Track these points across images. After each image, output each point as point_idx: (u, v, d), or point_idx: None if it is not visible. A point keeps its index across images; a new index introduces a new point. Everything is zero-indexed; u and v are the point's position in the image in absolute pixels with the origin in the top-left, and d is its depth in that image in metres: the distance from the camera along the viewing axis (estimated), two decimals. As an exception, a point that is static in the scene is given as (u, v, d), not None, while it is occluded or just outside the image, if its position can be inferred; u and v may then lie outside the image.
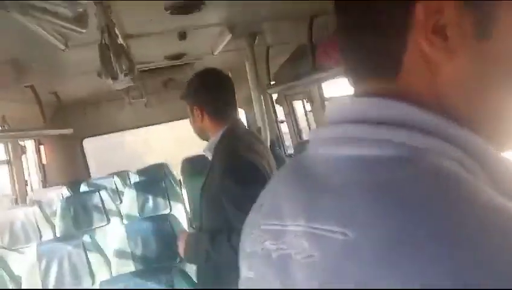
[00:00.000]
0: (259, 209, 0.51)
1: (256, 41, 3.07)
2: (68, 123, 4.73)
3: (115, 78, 1.43)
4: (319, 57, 2.60)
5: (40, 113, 3.73)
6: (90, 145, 6.39)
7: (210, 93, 1.72)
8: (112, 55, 1.39)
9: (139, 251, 2.69)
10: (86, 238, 2.65)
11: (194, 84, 1.77)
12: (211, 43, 3.24)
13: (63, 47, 2.19)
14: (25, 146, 4.62)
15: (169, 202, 3.77)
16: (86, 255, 2.61)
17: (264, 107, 3.29)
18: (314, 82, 2.98)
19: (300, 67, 3.31)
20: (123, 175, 5.43)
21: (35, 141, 5.31)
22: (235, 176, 1.52)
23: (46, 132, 3.71)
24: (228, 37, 2.74)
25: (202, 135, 1.79)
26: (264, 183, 1.47)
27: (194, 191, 5.16)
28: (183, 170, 5.77)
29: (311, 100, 4.71)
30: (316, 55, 2.63)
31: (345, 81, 0.54)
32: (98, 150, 7.37)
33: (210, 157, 1.73)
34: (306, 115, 5.21)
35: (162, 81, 5.37)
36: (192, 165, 5.81)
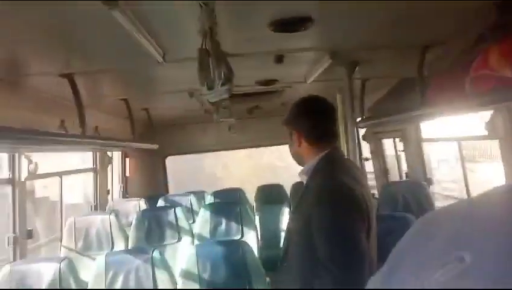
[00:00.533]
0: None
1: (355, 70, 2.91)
2: (154, 140, 4.87)
3: (211, 87, 1.32)
4: (431, 93, 2.35)
5: (131, 126, 3.85)
6: (172, 164, 6.56)
7: (310, 120, 1.72)
8: (211, 61, 1.29)
9: (206, 275, 2.55)
10: (156, 254, 2.57)
11: (296, 109, 1.79)
12: (305, 70, 3.13)
13: (160, 59, 2.18)
14: (111, 157, 4.81)
15: (242, 228, 3.63)
16: (153, 272, 2.53)
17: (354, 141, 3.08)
18: (418, 119, 2.69)
19: (401, 102, 3.06)
20: (199, 195, 5.44)
21: (121, 154, 5.54)
22: (328, 196, 1.47)
23: (133, 145, 3.79)
24: (327, 63, 2.60)
25: (298, 159, 1.76)
26: (358, 209, 1.45)
27: (267, 219, 5.05)
28: (258, 197, 5.66)
29: (405, 139, 4.38)
30: (427, 90, 2.38)
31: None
32: (179, 170, 7.52)
33: (305, 181, 1.67)
34: (396, 154, 4.88)
35: (248, 108, 5.42)
36: (267, 193, 5.70)
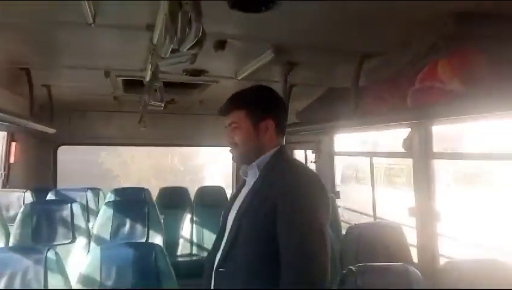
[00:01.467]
0: None
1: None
2: (50, 124, 4.27)
3: (180, 43, 1.05)
4: (367, 103, 2.33)
5: (30, 103, 3.30)
6: (62, 154, 5.88)
7: (281, 109, 1.62)
8: (190, 14, 1.02)
9: (110, 282, 2.20)
10: (51, 254, 2.15)
11: (263, 94, 1.61)
12: (240, 64, 2.96)
13: (90, 20, 1.83)
14: (-5, 138, 4.11)
15: (148, 231, 3.30)
16: (46, 275, 2.11)
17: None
18: (351, 128, 2.67)
19: (329, 111, 3.04)
20: (95, 192, 4.90)
21: (7, 136, 4.78)
22: (304, 190, 1.40)
23: (30, 124, 3.24)
24: (267, 58, 2.46)
25: (254, 151, 1.55)
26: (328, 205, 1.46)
27: (170, 224, 4.72)
28: (159, 200, 5.30)
29: (318, 151, 4.42)
30: (361, 100, 2.36)
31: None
32: (69, 161, 6.79)
33: (253, 177, 1.55)
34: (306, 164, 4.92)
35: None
36: (170, 196, 5.37)
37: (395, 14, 1.87)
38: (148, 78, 3.23)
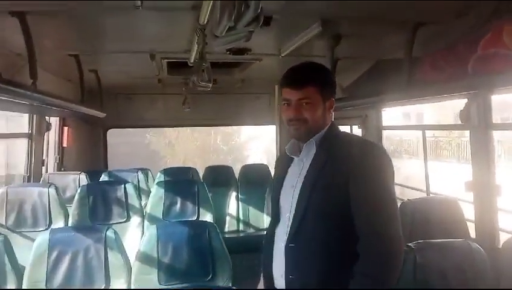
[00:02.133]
0: None
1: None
2: (101, 108, 4.40)
3: (238, 20, 1.02)
4: (421, 73, 2.22)
5: (80, 88, 3.40)
6: (110, 137, 6.07)
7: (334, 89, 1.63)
8: None
9: (167, 259, 2.26)
10: (110, 233, 2.23)
11: (329, 76, 1.64)
12: (284, 41, 2.90)
13: (138, 3, 1.84)
14: (50, 123, 4.27)
15: (199, 209, 3.36)
16: (106, 253, 2.20)
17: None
18: (405, 100, 2.56)
19: (380, 83, 2.93)
20: (145, 172, 5.04)
21: (59, 121, 4.97)
22: (376, 161, 1.46)
23: (82, 109, 3.34)
24: (315, 31, 2.38)
25: (319, 128, 1.56)
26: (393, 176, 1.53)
27: (216, 202, 4.79)
28: (205, 179, 5.38)
29: (365, 126, 4.31)
30: (415, 71, 2.25)
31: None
32: (118, 144, 6.99)
33: (307, 154, 1.56)
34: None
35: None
36: (216, 174, 5.43)
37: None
38: (192, 60, 3.24)
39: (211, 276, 2.27)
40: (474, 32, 1.85)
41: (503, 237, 2.69)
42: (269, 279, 1.59)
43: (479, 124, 2.68)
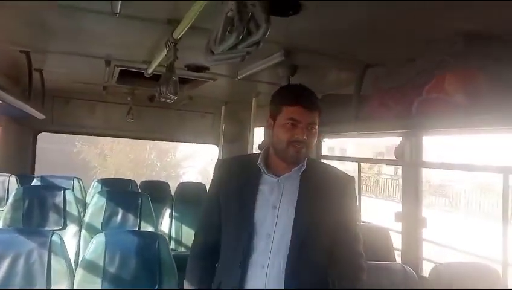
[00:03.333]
0: None
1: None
2: (42, 109, 4.19)
3: (233, 45, 1.12)
4: (369, 109, 2.45)
5: (29, 86, 3.24)
6: (39, 143, 5.76)
7: None
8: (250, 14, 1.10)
9: (113, 268, 2.23)
10: (56, 238, 2.16)
11: (319, 105, 1.62)
12: (243, 64, 3.03)
13: (117, 9, 1.87)
14: (-20, 121, 4.00)
15: (140, 221, 3.31)
16: (49, 259, 2.11)
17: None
18: (352, 133, 2.79)
19: (325, 115, 3.14)
20: (79, 181, 4.84)
21: (-10, 121, 4.66)
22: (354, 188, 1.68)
23: (26, 107, 3.19)
24: (277, 60, 2.54)
25: (306, 154, 1.60)
26: None
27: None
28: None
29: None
30: (364, 107, 2.48)
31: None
32: (46, 150, 6.64)
33: (291, 176, 1.61)
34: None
35: (150, 94, 4.99)
36: (150, 190, 5.32)
37: (404, 31, 2.00)
38: (150, 71, 3.26)
39: (157, 286, 2.26)
40: (421, 77, 2.11)
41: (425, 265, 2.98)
42: None
43: (410, 160, 2.99)
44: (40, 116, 4.01)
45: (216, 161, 3.78)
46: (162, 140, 7.01)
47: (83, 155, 9.52)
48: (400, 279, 2.00)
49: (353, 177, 1.69)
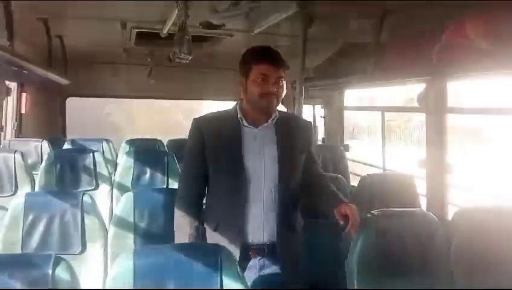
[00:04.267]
0: None
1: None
2: (64, 74, 4.29)
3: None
4: (389, 58, 2.39)
5: (48, 53, 3.31)
6: (69, 106, 5.93)
7: None
8: None
9: (143, 224, 2.34)
10: (86, 198, 2.26)
11: (285, 63, 1.84)
12: (258, 18, 2.97)
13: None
14: (10, 88, 4.13)
15: (168, 179, 3.42)
16: (83, 218, 2.23)
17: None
18: (371, 82, 2.74)
19: (345, 65, 3.10)
20: (108, 142, 5.00)
21: (17, 86, 4.79)
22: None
23: (48, 74, 3.28)
24: (292, 11, 2.48)
25: (277, 104, 1.87)
26: None
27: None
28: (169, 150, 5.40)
29: (328, 106, 4.50)
30: (383, 56, 2.42)
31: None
32: (76, 114, 6.82)
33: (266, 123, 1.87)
34: (314, 121, 5.02)
35: (169, 54, 4.99)
36: (178, 148, 5.46)
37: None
38: (165, 31, 3.24)
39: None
40: (439, 23, 2.02)
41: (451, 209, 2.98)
42: (238, 233, 1.81)
43: (434, 107, 2.93)
44: (63, 81, 4.11)
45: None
46: (185, 99, 7.08)
47: (111, 118, 9.77)
48: (421, 224, 2.01)
49: (311, 122, 2.16)
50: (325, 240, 2.58)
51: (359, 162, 5.06)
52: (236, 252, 1.76)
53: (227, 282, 1.43)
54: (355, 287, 1.92)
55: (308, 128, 2.03)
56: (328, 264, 2.48)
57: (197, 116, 1.93)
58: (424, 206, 3.08)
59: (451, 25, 1.94)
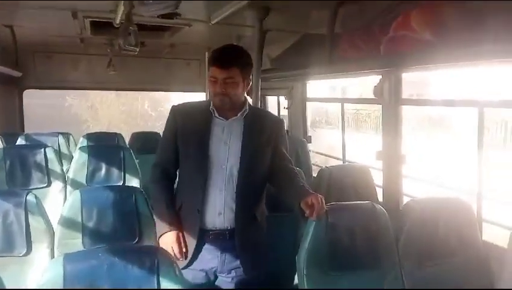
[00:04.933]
0: None
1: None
2: (16, 66, 4.11)
3: None
4: (341, 50, 2.37)
5: None
6: (27, 98, 5.71)
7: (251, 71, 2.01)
8: None
9: (92, 224, 2.27)
10: (31, 197, 2.17)
11: (249, 59, 1.98)
12: (214, 8, 2.91)
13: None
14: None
15: (125, 175, 3.34)
16: (27, 218, 2.14)
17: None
18: (326, 74, 2.73)
19: (304, 57, 3.07)
20: (66, 137, 4.85)
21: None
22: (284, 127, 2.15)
23: None
24: (245, 2, 2.43)
25: (240, 101, 1.98)
26: None
27: (144, 169, 4.75)
28: (132, 145, 5.29)
29: (291, 97, 4.49)
30: (337, 45, 2.40)
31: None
32: (35, 106, 6.59)
33: (236, 118, 1.97)
34: (279, 112, 5.01)
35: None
36: (143, 141, 5.36)
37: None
38: (118, 20, 3.14)
39: (137, 239, 2.31)
40: (387, 15, 2.02)
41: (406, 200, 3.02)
42: (198, 215, 1.93)
43: (389, 99, 2.95)
44: (15, 74, 3.94)
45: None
46: (148, 90, 6.95)
47: (74, 109, 9.48)
48: (370, 217, 2.02)
49: (283, 120, 2.18)
50: (287, 232, 2.59)
51: (323, 154, 5.08)
52: (194, 232, 1.93)
53: (166, 284, 1.39)
54: (305, 281, 1.92)
55: (278, 124, 2.10)
56: (287, 256, 2.48)
57: (175, 104, 2.06)
58: (380, 198, 3.13)
59: (398, 17, 1.93)
